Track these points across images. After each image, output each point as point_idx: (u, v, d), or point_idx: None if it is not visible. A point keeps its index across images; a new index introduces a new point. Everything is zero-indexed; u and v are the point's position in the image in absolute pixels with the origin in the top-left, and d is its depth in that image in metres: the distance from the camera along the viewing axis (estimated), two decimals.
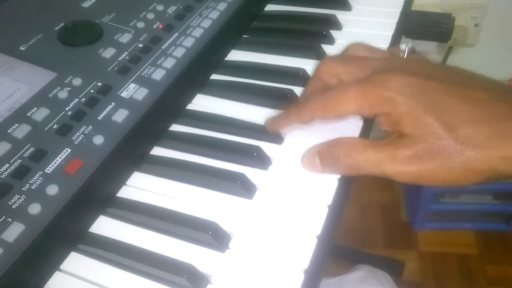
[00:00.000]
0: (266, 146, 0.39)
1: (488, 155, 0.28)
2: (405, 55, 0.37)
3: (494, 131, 0.28)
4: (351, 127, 0.39)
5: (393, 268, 1.15)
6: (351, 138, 0.35)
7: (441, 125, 0.29)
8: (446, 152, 0.29)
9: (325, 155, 0.34)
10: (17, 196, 0.31)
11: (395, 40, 0.50)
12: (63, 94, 0.38)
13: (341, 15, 0.53)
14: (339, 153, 0.33)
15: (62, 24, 0.43)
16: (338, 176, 0.36)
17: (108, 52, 0.42)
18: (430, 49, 1.13)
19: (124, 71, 0.41)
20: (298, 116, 0.36)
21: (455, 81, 0.31)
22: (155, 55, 0.43)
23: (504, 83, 0.33)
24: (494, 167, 0.28)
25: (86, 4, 0.46)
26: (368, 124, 0.40)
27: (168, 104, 0.41)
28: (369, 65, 0.34)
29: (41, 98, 0.37)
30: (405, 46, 0.37)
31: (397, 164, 0.30)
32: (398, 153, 0.30)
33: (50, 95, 0.38)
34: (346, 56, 0.39)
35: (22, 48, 0.41)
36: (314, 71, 0.39)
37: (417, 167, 0.30)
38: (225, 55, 0.50)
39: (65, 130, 0.36)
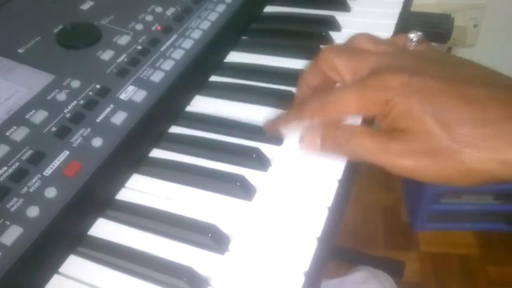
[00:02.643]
0: (265, 148, 0.39)
1: (483, 156, 0.28)
2: (412, 45, 0.36)
3: (491, 133, 0.28)
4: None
5: (394, 269, 1.15)
6: (354, 125, 0.34)
7: (436, 124, 0.29)
8: (440, 150, 0.29)
9: (328, 137, 0.34)
10: (15, 199, 0.31)
11: None
12: (61, 96, 0.38)
13: (340, 16, 0.53)
14: (341, 137, 0.33)
15: (61, 27, 0.43)
16: (339, 177, 0.36)
17: (107, 54, 0.42)
18: None
19: (123, 73, 0.40)
20: (298, 116, 0.36)
21: (456, 78, 0.30)
22: (154, 57, 0.43)
23: (509, 77, 0.32)
24: (489, 170, 0.28)
25: (84, 7, 0.46)
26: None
27: (167, 106, 0.41)
28: (370, 62, 0.34)
29: (39, 101, 0.37)
30: (414, 35, 0.36)
31: (390, 156, 0.30)
32: (392, 145, 0.30)
33: (49, 97, 0.37)
34: (349, 48, 0.38)
35: (20, 50, 0.41)
36: (314, 58, 0.38)
37: (410, 162, 0.30)
38: (224, 57, 0.50)
39: (63, 132, 0.35)
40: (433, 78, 0.30)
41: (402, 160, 0.30)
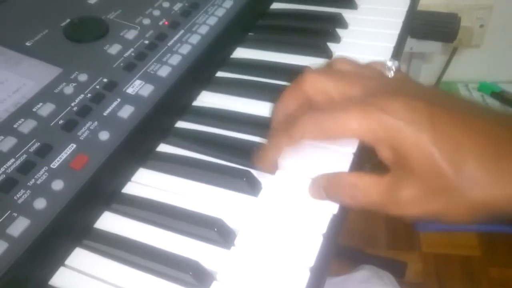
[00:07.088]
0: None
1: (492, 194, 0.27)
2: (392, 74, 0.35)
3: (498, 169, 0.27)
4: None
5: (396, 269, 1.15)
6: (352, 177, 0.32)
7: (446, 161, 0.28)
8: (450, 190, 0.28)
9: (330, 191, 0.33)
10: (22, 191, 0.31)
11: (401, 40, 0.50)
12: (68, 89, 0.38)
13: (347, 14, 0.53)
14: (343, 194, 0.32)
15: (68, 20, 0.43)
16: None
17: (114, 49, 0.42)
18: (434, 50, 1.12)
19: (130, 68, 0.41)
20: (289, 139, 0.33)
21: (456, 108, 0.30)
22: (161, 52, 0.43)
23: (496, 109, 0.32)
24: (498, 206, 0.27)
25: (92, 1, 0.46)
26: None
27: (174, 101, 0.41)
28: (361, 84, 0.32)
29: (46, 94, 0.37)
30: (391, 63, 0.34)
31: (401, 208, 0.29)
32: (403, 195, 0.29)
33: (56, 90, 0.37)
34: (333, 70, 0.35)
35: (28, 43, 0.41)
36: (295, 82, 0.35)
37: (421, 207, 0.29)
38: (231, 53, 0.50)
39: (70, 125, 0.35)
40: (436, 105, 0.29)
41: (412, 208, 0.29)
